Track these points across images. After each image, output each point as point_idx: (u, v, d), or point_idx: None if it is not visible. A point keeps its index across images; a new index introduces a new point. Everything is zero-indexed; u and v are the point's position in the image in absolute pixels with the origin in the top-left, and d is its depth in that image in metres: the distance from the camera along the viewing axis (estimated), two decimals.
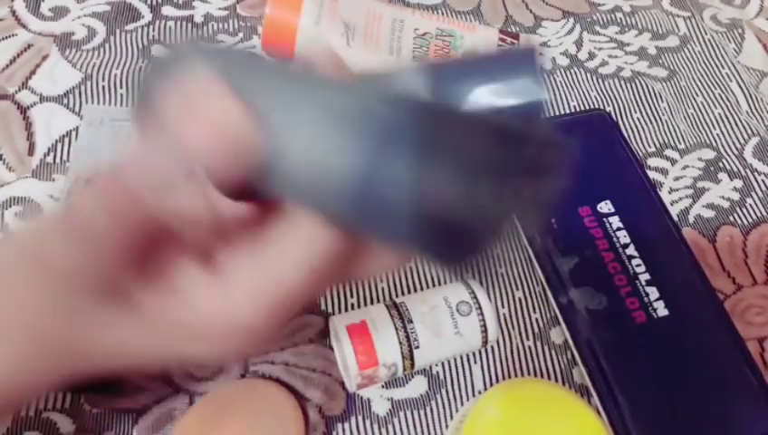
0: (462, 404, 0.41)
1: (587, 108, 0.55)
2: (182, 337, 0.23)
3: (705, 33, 0.61)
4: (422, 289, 0.45)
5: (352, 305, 0.44)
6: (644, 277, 0.44)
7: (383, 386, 0.41)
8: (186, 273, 0.23)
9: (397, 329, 0.39)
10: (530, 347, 0.43)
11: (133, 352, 0.24)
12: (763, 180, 0.52)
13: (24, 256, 0.23)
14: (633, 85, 0.57)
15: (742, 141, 0.54)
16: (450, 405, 0.41)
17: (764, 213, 0.50)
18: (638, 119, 0.55)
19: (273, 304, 0.23)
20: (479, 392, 0.42)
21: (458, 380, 0.42)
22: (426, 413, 0.41)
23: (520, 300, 0.45)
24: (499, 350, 0.43)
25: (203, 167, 0.21)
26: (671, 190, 0.51)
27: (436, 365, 0.42)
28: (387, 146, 0.16)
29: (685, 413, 0.40)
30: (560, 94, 0.56)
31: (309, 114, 0.18)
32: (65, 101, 0.51)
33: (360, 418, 0.40)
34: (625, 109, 0.55)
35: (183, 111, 0.21)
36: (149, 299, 0.23)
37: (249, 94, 0.20)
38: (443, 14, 0.61)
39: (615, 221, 0.46)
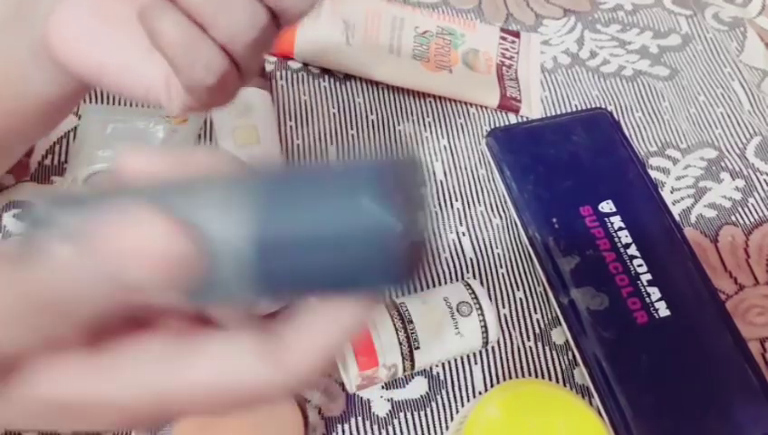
0: (462, 405, 0.41)
1: (588, 107, 0.55)
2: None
3: (707, 32, 0.61)
4: (422, 289, 0.45)
5: None
6: (645, 277, 0.43)
7: (383, 387, 0.41)
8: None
9: (397, 329, 0.39)
10: (531, 347, 0.43)
11: None
12: (765, 180, 0.52)
13: None
14: (635, 84, 0.57)
15: (744, 141, 0.54)
16: (450, 406, 0.41)
17: (766, 213, 0.50)
18: (640, 118, 0.55)
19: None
20: (480, 393, 0.41)
21: (459, 380, 0.42)
22: (426, 414, 0.40)
23: (521, 300, 0.45)
24: (500, 350, 0.43)
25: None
26: (673, 190, 0.51)
27: (437, 366, 0.42)
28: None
29: (686, 414, 0.40)
30: (561, 93, 0.56)
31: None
32: None
33: (359, 419, 0.40)
34: (626, 108, 0.55)
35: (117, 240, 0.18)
36: None
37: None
38: (443, 12, 0.60)
39: (616, 221, 0.46)
